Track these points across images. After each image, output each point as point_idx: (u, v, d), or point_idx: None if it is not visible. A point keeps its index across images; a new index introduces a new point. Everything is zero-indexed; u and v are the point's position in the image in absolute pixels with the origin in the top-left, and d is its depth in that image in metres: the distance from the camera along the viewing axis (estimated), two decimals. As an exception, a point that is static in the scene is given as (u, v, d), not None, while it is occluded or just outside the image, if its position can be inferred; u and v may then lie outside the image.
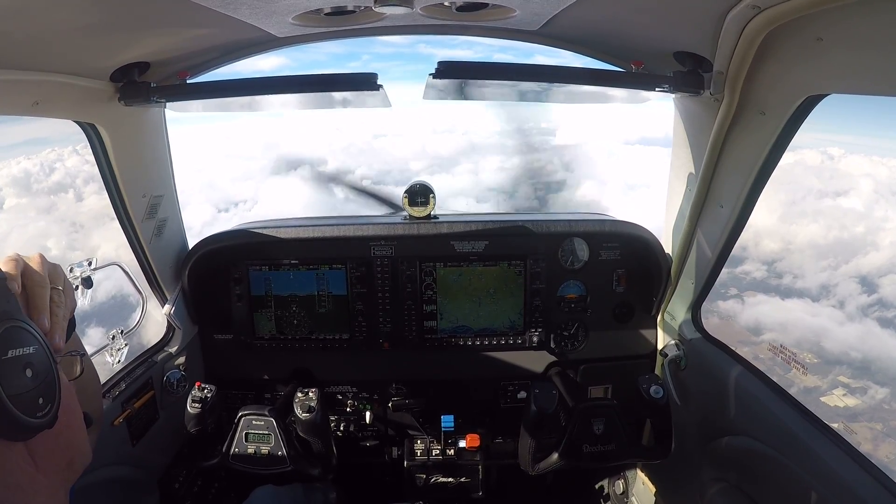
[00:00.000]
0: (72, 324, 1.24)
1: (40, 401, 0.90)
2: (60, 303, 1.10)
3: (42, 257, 1.12)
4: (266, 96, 2.19)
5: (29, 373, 0.88)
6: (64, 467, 1.04)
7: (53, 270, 1.13)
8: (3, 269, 1.06)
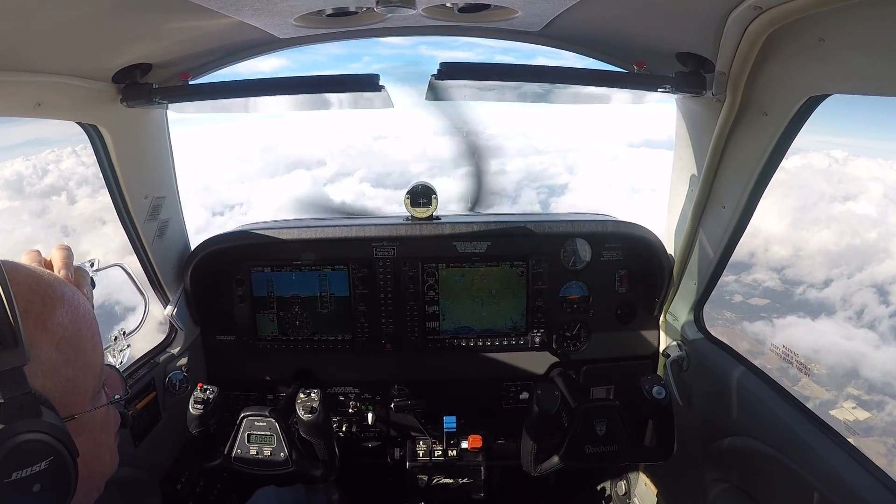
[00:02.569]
0: None
1: None
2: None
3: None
4: (268, 98, 2.19)
5: (37, 487, 0.82)
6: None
7: (78, 273, 1.14)
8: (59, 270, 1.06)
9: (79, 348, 0.95)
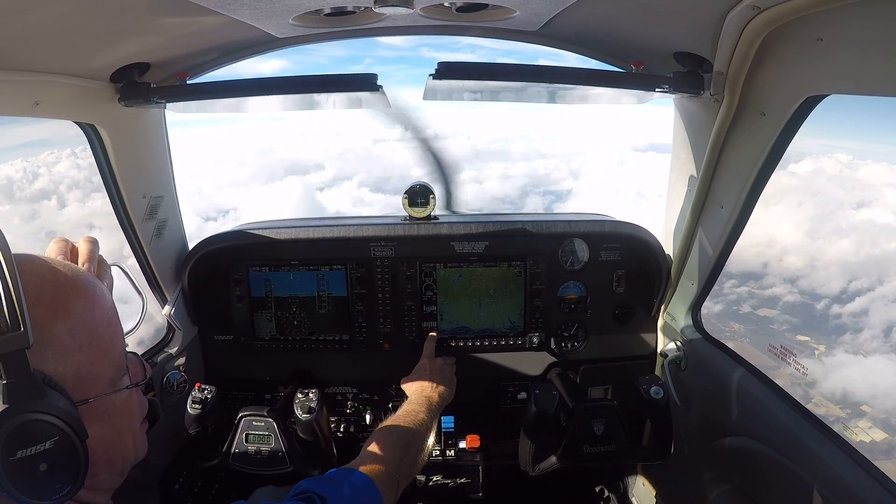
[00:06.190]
0: None
1: (57, 485, 0.88)
2: None
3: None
4: (266, 98, 2.19)
5: (44, 466, 0.86)
6: (105, 489, 1.09)
7: (100, 266, 1.20)
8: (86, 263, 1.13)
9: (94, 334, 0.99)
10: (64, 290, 0.97)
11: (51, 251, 1.13)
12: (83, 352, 0.97)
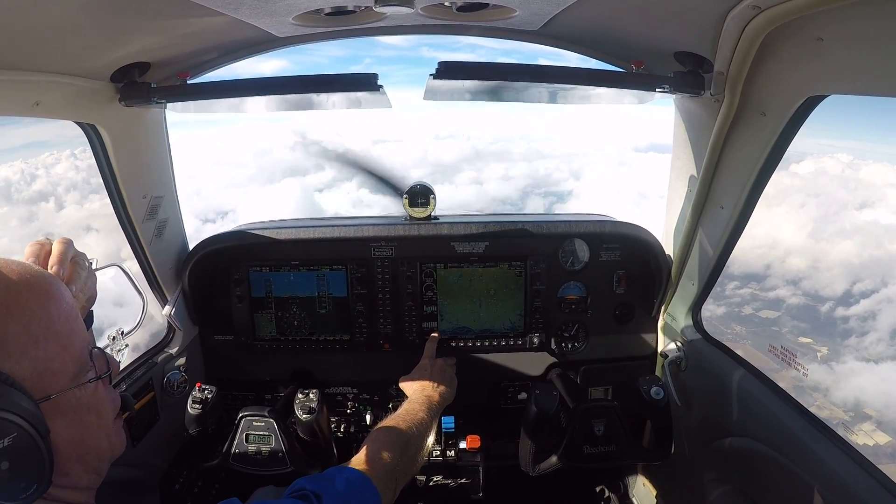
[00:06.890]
0: (89, 318, 1.28)
1: (23, 484, 0.88)
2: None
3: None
4: (266, 98, 2.19)
5: (5, 465, 0.86)
6: (81, 487, 1.08)
7: (73, 269, 1.19)
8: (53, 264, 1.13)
9: (51, 330, 0.99)
10: (16, 288, 0.97)
11: (26, 254, 1.14)
12: (40, 348, 0.97)
